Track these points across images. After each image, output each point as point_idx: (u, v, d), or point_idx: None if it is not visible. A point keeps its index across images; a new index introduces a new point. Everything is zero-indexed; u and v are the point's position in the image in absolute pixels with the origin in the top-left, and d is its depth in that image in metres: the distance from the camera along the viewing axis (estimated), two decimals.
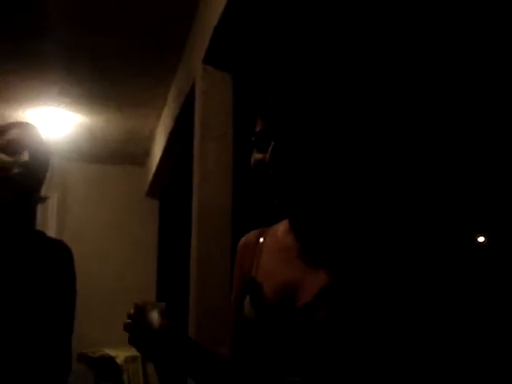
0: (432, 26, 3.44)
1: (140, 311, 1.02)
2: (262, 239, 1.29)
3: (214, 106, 3.35)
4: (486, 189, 5.52)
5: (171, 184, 6.25)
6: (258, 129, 1.15)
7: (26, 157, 1.59)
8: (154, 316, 1.06)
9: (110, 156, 6.72)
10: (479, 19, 3.42)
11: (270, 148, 1.11)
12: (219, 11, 2.88)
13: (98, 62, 4.37)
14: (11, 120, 1.84)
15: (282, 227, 1.25)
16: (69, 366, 1.73)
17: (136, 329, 1.00)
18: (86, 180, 6.91)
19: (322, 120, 1.11)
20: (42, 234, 1.76)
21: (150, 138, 6.18)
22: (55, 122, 5.42)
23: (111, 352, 6.11)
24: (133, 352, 6.08)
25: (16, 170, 1.58)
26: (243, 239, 1.35)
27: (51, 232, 6.72)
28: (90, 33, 3.95)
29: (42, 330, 1.63)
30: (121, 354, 6.05)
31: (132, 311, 1.03)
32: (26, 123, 1.70)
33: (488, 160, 5.13)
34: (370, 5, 3.26)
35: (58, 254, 1.72)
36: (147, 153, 6.62)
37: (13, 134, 1.62)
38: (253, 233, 1.34)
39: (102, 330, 6.36)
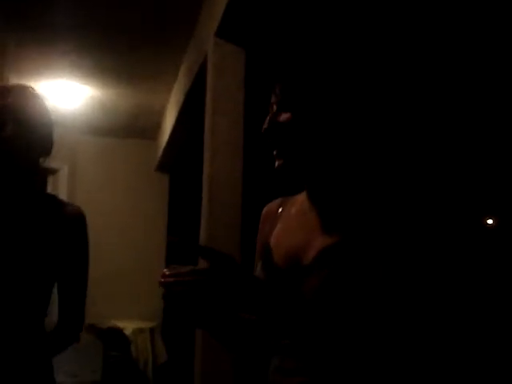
0: (433, 24, 3.41)
1: (175, 268, 1.03)
2: (281, 208, 1.31)
3: (225, 80, 3.34)
4: (493, 170, 5.49)
5: (181, 158, 6.26)
6: (272, 100, 1.17)
7: (8, 131, 1.55)
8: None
9: (120, 129, 6.73)
10: (479, 19, 3.39)
11: (268, 117, 1.15)
12: None
13: (110, 35, 4.36)
14: None
15: (302, 196, 1.26)
16: (80, 327, 1.73)
17: (172, 284, 1.01)
18: (97, 153, 6.92)
19: (326, 92, 1.12)
20: (53, 197, 1.76)
21: (160, 112, 6.18)
22: (66, 94, 5.42)
23: (120, 323, 6.19)
24: (140, 324, 6.18)
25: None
26: (265, 208, 1.36)
27: None
28: (102, 6, 3.93)
29: (49, 290, 1.65)
30: (129, 325, 6.14)
31: (167, 269, 1.04)
32: (24, 89, 1.63)
33: (497, 140, 5.10)
34: None
35: (70, 216, 1.70)
36: (158, 127, 6.62)
37: (5, 100, 1.56)
38: (275, 202, 1.35)
39: (110, 303, 6.43)
